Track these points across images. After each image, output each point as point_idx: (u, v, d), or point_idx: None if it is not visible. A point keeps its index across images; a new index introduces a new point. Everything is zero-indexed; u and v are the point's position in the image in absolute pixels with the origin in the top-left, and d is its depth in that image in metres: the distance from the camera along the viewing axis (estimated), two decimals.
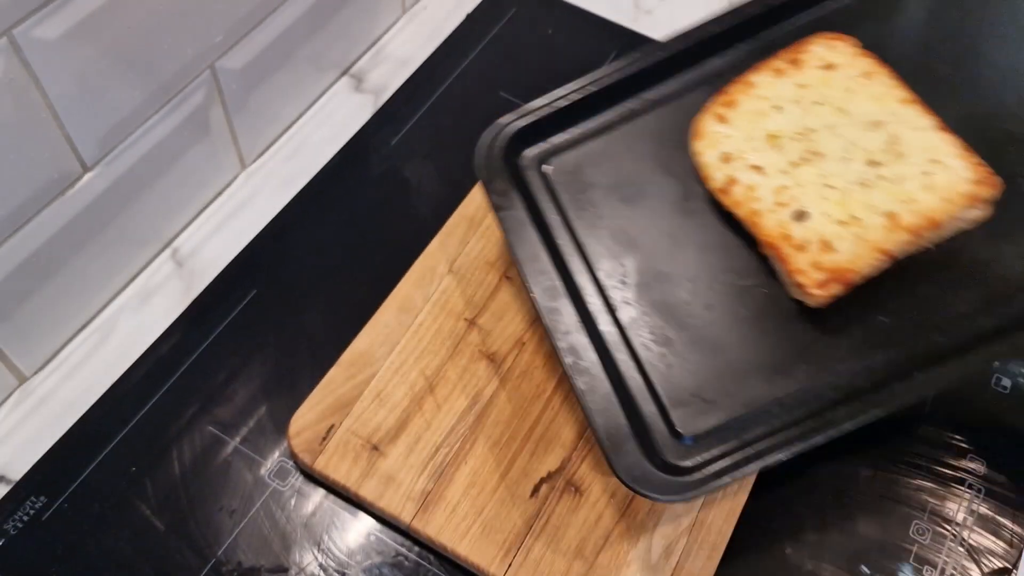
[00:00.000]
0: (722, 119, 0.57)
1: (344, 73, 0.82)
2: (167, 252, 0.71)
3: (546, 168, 0.64)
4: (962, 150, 0.55)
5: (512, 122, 0.63)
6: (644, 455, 0.52)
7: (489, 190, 0.61)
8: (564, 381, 0.63)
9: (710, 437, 0.55)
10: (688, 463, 0.54)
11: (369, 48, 0.84)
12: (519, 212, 0.60)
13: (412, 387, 0.62)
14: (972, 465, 0.63)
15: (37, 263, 0.60)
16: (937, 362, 0.54)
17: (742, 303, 0.58)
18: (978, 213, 0.54)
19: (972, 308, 0.57)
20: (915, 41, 0.67)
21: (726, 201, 0.56)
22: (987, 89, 0.65)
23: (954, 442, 0.64)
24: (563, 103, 0.63)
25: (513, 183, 0.61)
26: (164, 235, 0.71)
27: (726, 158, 0.56)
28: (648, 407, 0.56)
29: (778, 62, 0.58)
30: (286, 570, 0.57)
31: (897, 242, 0.53)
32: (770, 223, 0.54)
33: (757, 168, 0.55)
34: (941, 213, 0.53)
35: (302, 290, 0.69)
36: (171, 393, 0.64)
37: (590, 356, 0.55)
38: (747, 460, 0.52)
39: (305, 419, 0.61)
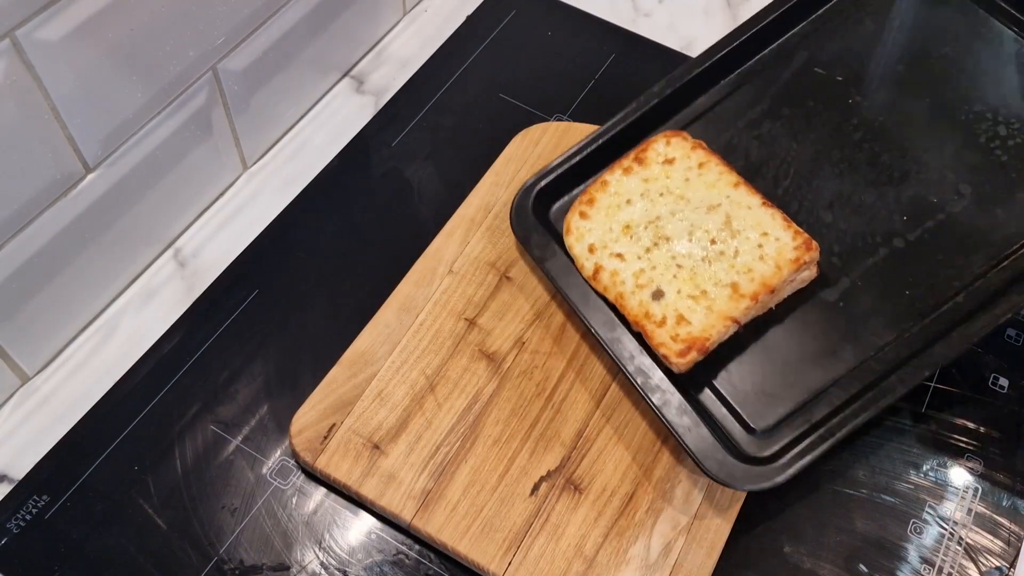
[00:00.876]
0: (584, 215, 0.64)
1: (345, 75, 0.83)
2: (169, 252, 0.71)
3: None
4: (784, 221, 0.62)
5: (536, 183, 0.68)
6: (729, 453, 0.57)
7: (528, 247, 0.66)
8: (563, 382, 0.63)
9: (781, 426, 0.59)
10: (767, 452, 0.58)
11: (370, 50, 0.85)
12: (561, 259, 0.65)
13: (413, 386, 0.63)
14: (970, 464, 0.63)
15: (40, 263, 0.60)
16: (966, 320, 0.60)
17: (782, 306, 0.64)
18: (807, 274, 0.62)
19: (985, 267, 0.63)
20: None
21: (597, 287, 0.62)
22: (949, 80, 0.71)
23: (952, 441, 0.64)
24: (577, 159, 0.69)
25: (549, 235, 0.66)
26: (166, 235, 0.71)
27: (591, 249, 0.63)
28: (719, 410, 0.60)
29: (626, 161, 0.66)
30: (288, 568, 0.58)
31: (741, 309, 0.60)
32: (633, 304, 0.61)
33: (618, 256, 0.62)
34: (775, 279, 0.60)
35: (303, 290, 0.69)
36: (173, 392, 0.64)
37: (657, 374, 0.60)
38: (821, 439, 0.57)
39: (306, 418, 0.61)
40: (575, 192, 0.69)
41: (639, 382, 0.59)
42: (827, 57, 0.72)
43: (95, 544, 0.58)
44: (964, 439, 0.64)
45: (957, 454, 0.64)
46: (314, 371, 0.64)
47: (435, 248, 0.69)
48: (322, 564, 0.58)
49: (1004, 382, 0.66)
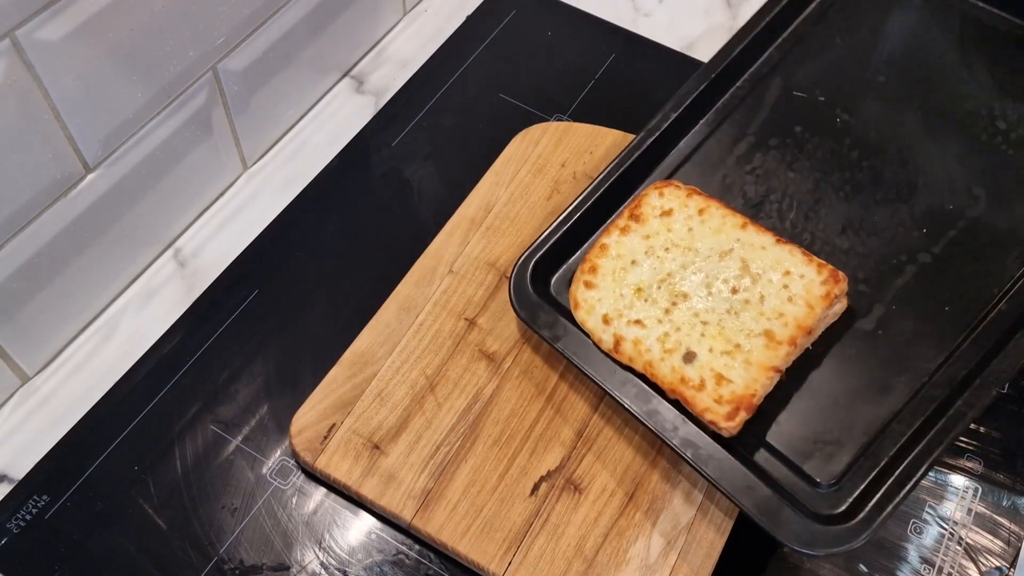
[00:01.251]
0: (590, 285, 0.60)
1: (345, 75, 0.83)
2: (169, 252, 0.71)
3: None
4: (804, 256, 0.59)
5: (530, 257, 0.64)
6: (802, 516, 0.53)
7: (537, 327, 0.61)
8: (563, 381, 0.63)
9: (850, 475, 0.55)
10: (842, 508, 0.54)
11: (370, 50, 0.85)
12: (574, 335, 0.60)
13: (413, 386, 0.63)
14: (970, 464, 0.63)
15: (40, 263, 0.61)
16: (1017, 327, 0.58)
17: (820, 343, 0.60)
18: (839, 306, 0.59)
19: (1020, 268, 0.61)
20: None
21: (621, 359, 0.58)
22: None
23: None
24: (568, 224, 0.65)
25: (555, 311, 0.62)
26: (166, 235, 0.71)
27: (606, 320, 0.59)
28: (780, 471, 0.56)
29: (621, 221, 0.62)
30: (288, 568, 0.58)
31: (781, 356, 0.56)
32: (665, 371, 0.56)
33: (637, 322, 0.58)
34: (809, 319, 0.57)
35: (303, 290, 0.69)
36: (173, 392, 0.64)
37: (705, 441, 0.56)
38: (899, 484, 0.53)
39: (306, 418, 0.61)
40: (572, 260, 0.65)
41: (689, 455, 0.55)
42: (803, 80, 0.70)
43: (95, 544, 0.58)
44: (964, 439, 0.64)
45: (957, 454, 0.64)
46: (314, 371, 0.64)
47: (435, 248, 0.69)
48: (322, 564, 0.58)
49: None
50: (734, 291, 0.58)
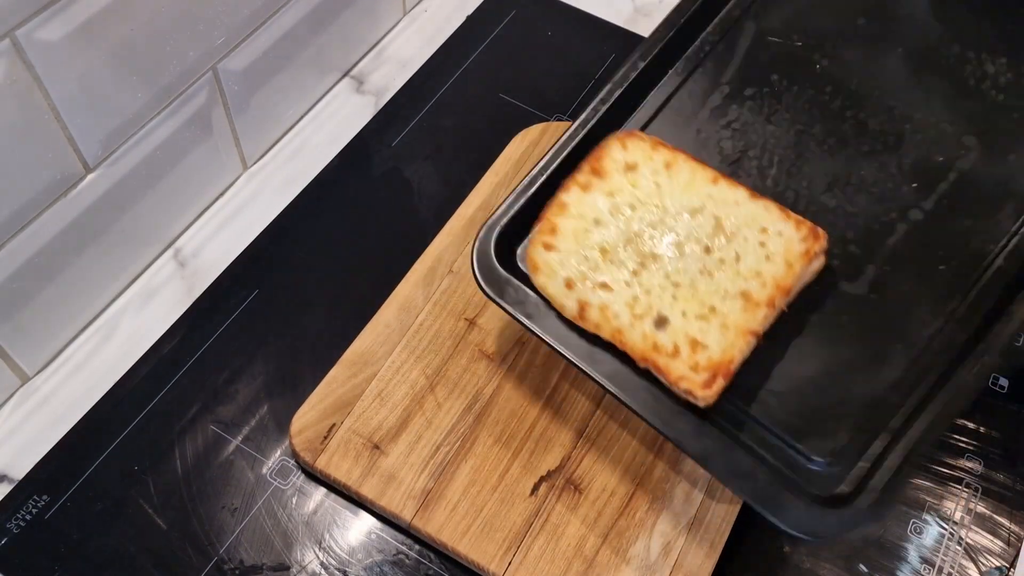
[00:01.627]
0: (549, 247, 0.54)
1: (345, 75, 0.83)
2: (169, 252, 0.71)
3: None
4: (781, 212, 0.55)
5: (493, 226, 0.58)
6: (804, 500, 0.50)
7: (504, 304, 0.56)
8: (563, 382, 0.63)
9: (849, 452, 0.52)
10: (846, 488, 0.51)
11: (370, 50, 0.85)
12: (548, 313, 0.55)
13: (413, 386, 0.63)
14: (970, 464, 0.63)
15: (40, 263, 0.61)
16: (1017, 286, 0.54)
17: (807, 310, 0.56)
18: (817, 264, 0.55)
19: (1016, 222, 0.57)
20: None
21: (587, 326, 0.53)
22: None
23: (952, 441, 0.64)
24: (534, 188, 0.59)
25: (525, 285, 0.56)
26: (166, 236, 0.71)
27: (569, 284, 0.53)
28: (776, 452, 0.52)
29: (581, 176, 0.57)
30: (288, 568, 0.58)
31: (759, 319, 0.53)
32: (636, 338, 0.52)
33: (603, 286, 0.53)
34: (788, 278, 0.53)
35: (304, 290, 0.69)
36: (173, 392, 0.64)
37: (702, 430, 0.52)
38: (904, 461, 0.50)
39: (306, 418, 0.61)
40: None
41: (675, 437, 0.51)
42: (778, 23, 0.65)
43: (95, 544, 0.58)
44: (964, 439, 0.64)
45: (957, 454, 0.64)
46: (314, 371, 0.64)
47: (435, 248, 0.69)
48: (322, 564, 0.58)
49: (1004, 382, 0.66)
50: (707, 250, 0.54)
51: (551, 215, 0.56)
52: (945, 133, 0.61)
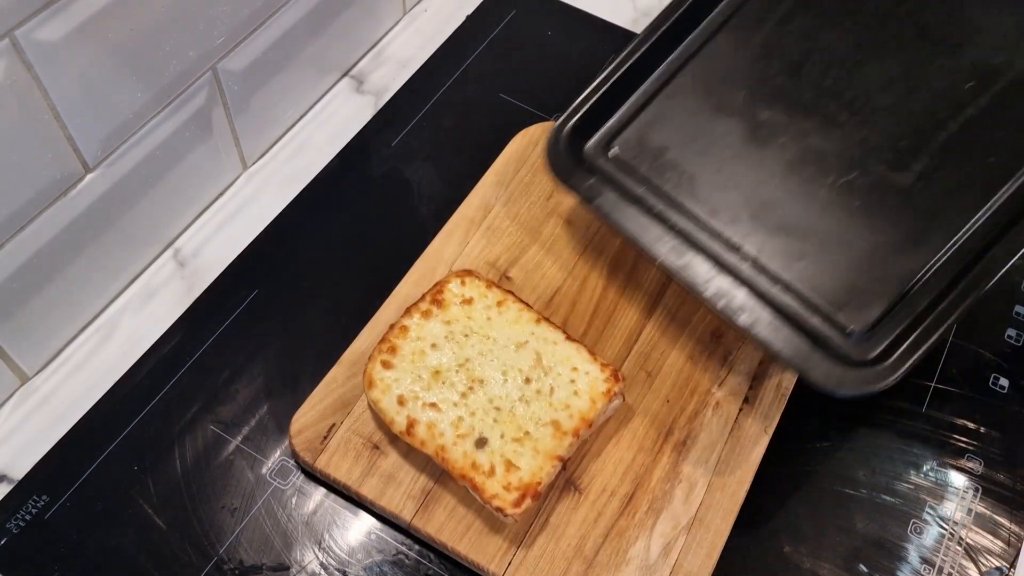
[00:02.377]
0: (387, 365, 0.60)
1: (345, 74, 0.83)
2: (169, 252, 0.71)
3: (612, 152, 0.66)
4: (589, 355, 0.61)
5: (565, 124, 0.65)
6: (833, 362, 0.55)
7: (571, 187, 0.63)
8: None
9: (883, 324, 0.57)
10: (875, 353, 0.56)
11: (370, 50, 0.85)
12: (609, 195, 0.62)
13: None
14: (970, 464, 0.63)
15: (39, 263, 0.60)
16: None
17: (852, 196, 0.61)
18: (617, 403, 0.61)
19: None
20: None
21: (412, 442, 0.58)
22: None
23: (952, 441, 0.64)
24: (603, 89, 0.66)
25: (590, 174, 0.63)
26: (166, 235, 0.71)
27: (401, 401, 0.59)
28: (813, 320, 0.58)
29: (423, 304, 0.63)
30: (287, 568, 0.58)
31: (565, 446, 0.58)
32: (457, 455, 0.57)
33: (432, 405, 0.59)
34: (591, 412, 0.59)
35: (303, 290, 0.69)
36: (173, 392, 0.64)
37: (738, 293, 0.58)
38: (928, 331, 0.55)
39: (306, 418, 0.61)
40: (606, 126, 0.66)
41: (720, 305, 0.57)
42: None
43: (95, 544, 0.58)
44: (964, 439, 0.64)
45: (957, 454, 0.64)
46: (314, 371, 0.64)
47: (435, 248, 0.69)
48: (322, 564, 0.58)
49: (1004, 382, 0.66)
50: (527, 381, 0.60)
51: (392, 336, 0.61)
52: (1006, 37, 0.63)
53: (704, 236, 0.62)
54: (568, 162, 0.64)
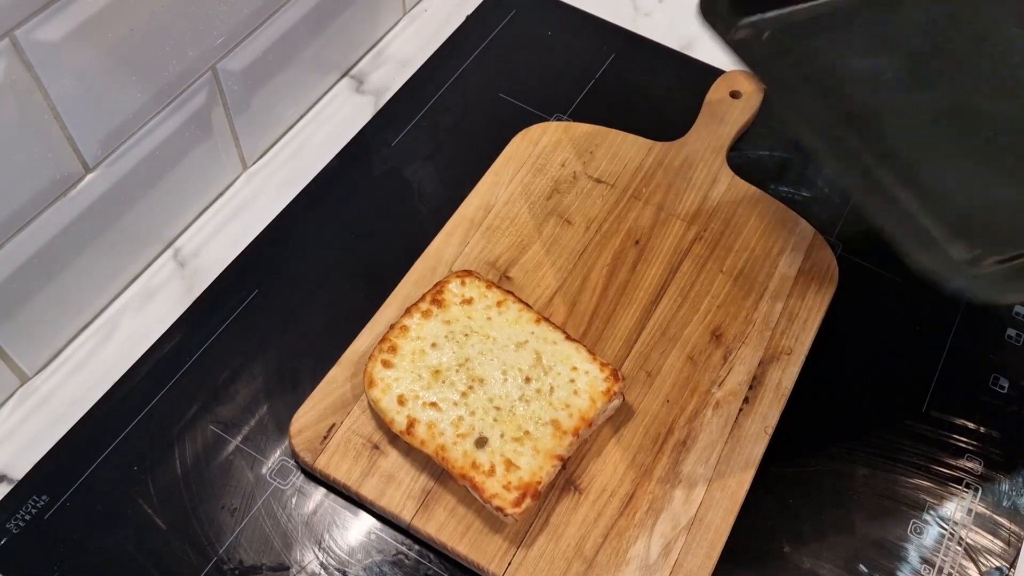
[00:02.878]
0: (388, 364, 0.61)
1: (345, 74, 0.83)
2: (169, 252, 0.71)
3: (766, 35, 0.65)
4: (589, 355, 0.61)
5: None
6: (935, 252, 0.52)
7: (720, 33, 0.62)
8: None
9: (985, 258, 0.53)
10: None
11: (370, 49, 0.85)
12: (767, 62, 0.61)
13: None
14: (970, 464, 0.63)
15: (39, 263, 0.60)
16: None
17: (971, 133, 0.59)
18: (617, 402, 0.61)
19: None
20: None
21: (412, 442, 0.58)
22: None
23: (952, 441, 0.64)
24: None
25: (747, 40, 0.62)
26: (166, 235, 0.71)
27: (402, 400, 0.59)
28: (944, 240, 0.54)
29: (423, 304, 0.63)
30: (287, 568, 0.58)
31: (565, 445, 0.58)
32: (457, 455, 0.57)
33: (433, 405, 0.59)
34: (591, 411, 0.59)
35: (303, 290, 0.69)
36: (173, 392, 0.64)
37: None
38: None
39: (306, 418, 0.61)
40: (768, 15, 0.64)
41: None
42: None
43: (95, 544, 0.58)
44: (964, 439, 0.64)
45: (957, 454, 0.64)
46: (314, 371, 0.64)
47: (435, 248, 0.69)
48: (322, 564, 0.58)
49: (1004, 382, 0.66)
50: (527, 380, 0.60)
51: (392, 336, 0.62)
52: None
53: (855, 139, 0.58)
54: (728, 14, 0.63)
